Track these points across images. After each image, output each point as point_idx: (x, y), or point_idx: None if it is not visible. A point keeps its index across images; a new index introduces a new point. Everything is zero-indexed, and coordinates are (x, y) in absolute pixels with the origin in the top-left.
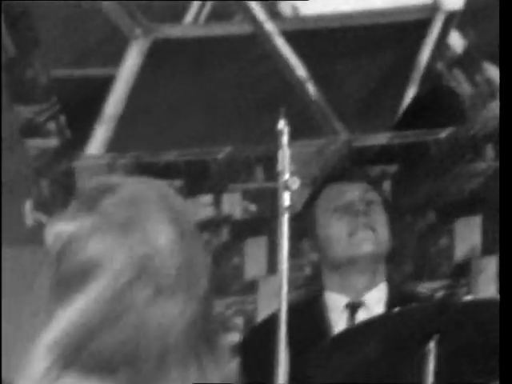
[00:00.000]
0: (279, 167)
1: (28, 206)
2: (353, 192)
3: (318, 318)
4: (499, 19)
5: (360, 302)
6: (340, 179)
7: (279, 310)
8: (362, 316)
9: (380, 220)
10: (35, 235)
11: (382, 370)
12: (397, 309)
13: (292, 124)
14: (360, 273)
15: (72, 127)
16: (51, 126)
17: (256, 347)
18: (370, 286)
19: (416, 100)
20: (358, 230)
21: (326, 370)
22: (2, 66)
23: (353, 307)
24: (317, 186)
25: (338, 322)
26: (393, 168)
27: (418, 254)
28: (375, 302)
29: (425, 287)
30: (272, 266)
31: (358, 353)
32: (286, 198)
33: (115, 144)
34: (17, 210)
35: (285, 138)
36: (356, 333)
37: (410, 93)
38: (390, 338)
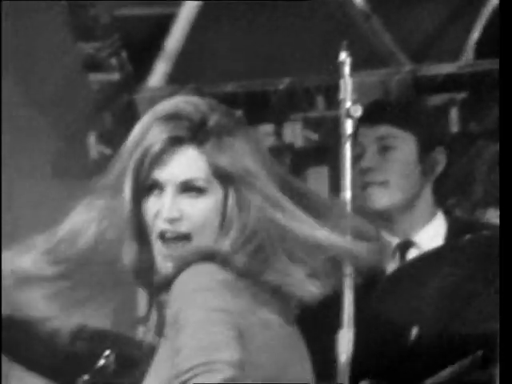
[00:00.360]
0: (341, 96)
1: (91, 139)
2: (368, 140)
3: None
4: (499, 19)
5: (410, 241)
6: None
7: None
8: (412, 255)
9: (397, 168)
10: (99, 168)
11: (454, 299)
12: (464, 238)
13: (354, 56)
14: (399, 216)
15: (133, 62)
16: (113, 61)
17: None
18: (418, 225)
19: (486, 30)
20: (368, 186)
21: (394, 303)
22: (1, 62)
23: (403, 247)
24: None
25: (390, 263)
26: (461, 95)
27: (487, 180)
28: (429, 238)
29: (494, 215)
30: (335, 195)
31: (427, 284)
32: (348, 126)
33: (176, 76)
34: (80, 143)
35: (347, 69)
36: (423, 264)
37: (480, 24)
38: (460, 266)
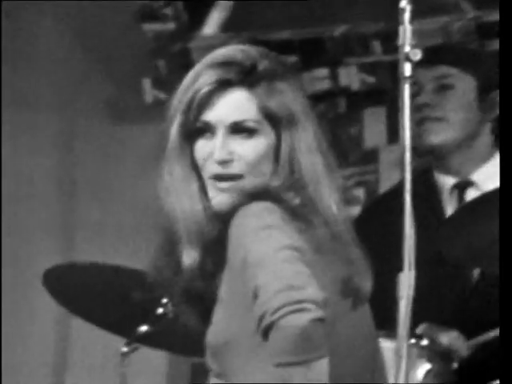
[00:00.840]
0: (400, 41)
1: (147, 84)
2: (426, 79)
3: (431, 196)
4: (499, 19)
5: (468, 181)
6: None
7: (403, 179)
8: (471, 196)
9: (455, 106)
10: (154, 112)
11: None
12: None
13: (416, 3)
14: (457, 154)
15: (188, 11)
16: (168, 11)
17: (378, 220)
18: (476, 165)
19: None
20: (424, 121)
21: (456, 245)
22: (1, 61)
23: (461, 187)
24: None
25: (448, 203)
26: None
27: None
28: (487, 178)
29: None
30: (392, 135)
31: (489, 224)
32: (407, 69)
33: (230, 25)
34: (136, 89)
35: (407, 15)
36: (484, 204)
37: None
38: None
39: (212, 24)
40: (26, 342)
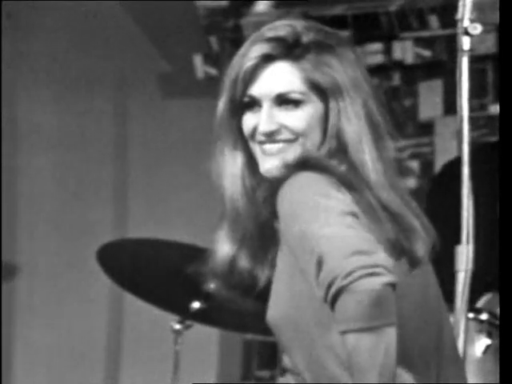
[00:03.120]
0: (459, 15)
1: (198, 59)
2: None
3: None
4: (499, 19)
5: None
6: None
7: (461, 152)
8: None
9: None
10: (205, 88)
11: None
12: None
13: None
14: None
15: None
16: None
17: (437, 195)
18: None
19: None
20: None
21: None
22: (1, 62)
23: None
24: None
25: None
26: None
27: None
28: None
29: None
30: (449, 107)
31: None
32: (465, 42)
33: (283, 1)
34: (187, 64)
35: None
36: None
37: None
38: None
39: (264, 0)
40: (80, 321)
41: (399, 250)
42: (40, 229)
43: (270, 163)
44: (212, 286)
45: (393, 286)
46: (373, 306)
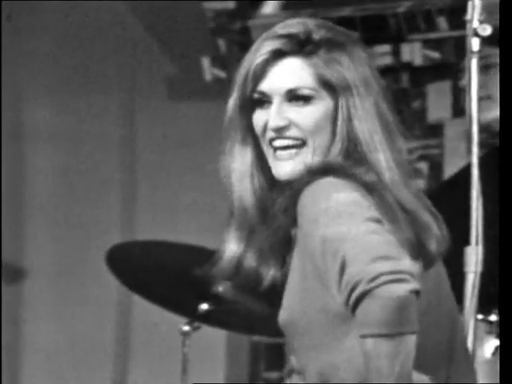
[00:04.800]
0: (468, 16)
1: (206, 62)
2: None
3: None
4: (499, 20)
5: None
6: None
7: (470, 152)
8: None
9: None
10: (213, 90)
11: None
12: None
13: None
14: None
15: None
16: None
17: (446, 202)
18: None
19: None
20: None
21: None
22: (1, 63)
23: None
24: None
25: None
26: None
27: None
28: None
29: None
30: (458, 109)
31: None
32: (475, 44)
33: (290, 2)
34: (195, 67)
35: None
36: None
37: None
38: None
39: (272, 2)
40: (88, 323)
41: (417, 249)
42: (47, 231)
43: (282, 168)
44: (220, 287)
45: (417, 293)
46: (396, 313)
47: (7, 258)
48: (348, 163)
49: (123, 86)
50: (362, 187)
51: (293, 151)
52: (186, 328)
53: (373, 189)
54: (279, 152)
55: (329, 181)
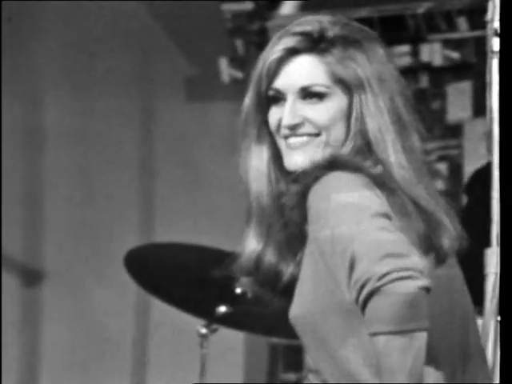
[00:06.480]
0: (488, 16)
1: (223, 63)
2: None
3: None
4: (499, 20)
5: None
6: None
7: (491, 157)
8: None
9: None
10: (231, 91)
11: None
12: None
13: None
14: None
15: None
16: None
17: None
18: None
19: None
20: None
21: None
22: (1, 63)
23: None
24: None
25: None
26: None
27: None
28: None
29: None
30: (478, 110)
31: None
32: (495, 43)
33: (308, 3)
34: (213, 67)
35: None
36: None
37: None
38: None
39: (290, 3)
40: (107, 325)
41: (428, 244)
42: (66, 234)
43: (294, 158)
44: (239, 285)
45: (427, 290)
46: (406, 310)
47: (26, 261)
48: (354, 156)
49: (142, 88)
50: (371, 180)
51: (305, 138)
52: (204, 330)
53: (381, 182)
54: (292, 140)
55: (337, 176)
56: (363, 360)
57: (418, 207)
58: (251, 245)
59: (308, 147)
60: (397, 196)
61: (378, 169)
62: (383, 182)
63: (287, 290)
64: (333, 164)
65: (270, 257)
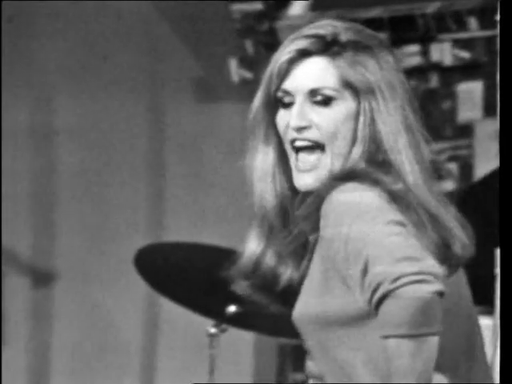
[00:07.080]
0: (498, 16)
1: (233, 63)
2: None
3: None
4: (499, 20)
5: None
6: None
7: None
8: None
9: None
10: (240, 91)
11: None
12: None
13: None
14: None
15: None
16: None
17: (474, 205)
18: None
19: None
20: None
21: None
22: (1, 63)
23: None
24: None
25: None
26: None
27: None
28: None
29: None
30: (489, 110)
31: None
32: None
33: (318, 3)
34: (222, 68)
35: None
36: None
37: None
38: None
39: (299, 3)
40: (116, 326)
41: (443, 252)
42: (76, 235)
43: (303, 179)
44: (235, 289)
45: (441, 294)
46: (418, 314)
47: (36, 262)
48: (372, 169)
49: (151, 88)
50: (387, 195)
51: (312, 157)
52: (213, 330)
53: (398, 196)
54: (301, 162)
55: (353, 186)
56: (365, 364)
57: (432, 218)
58: (251, 246)
59: (317, 169)
60: (411, 206)
61: (399, 185)
62: (399, 195)
63: (284, 295)
64: (349, 176)
65: (269, 259)
